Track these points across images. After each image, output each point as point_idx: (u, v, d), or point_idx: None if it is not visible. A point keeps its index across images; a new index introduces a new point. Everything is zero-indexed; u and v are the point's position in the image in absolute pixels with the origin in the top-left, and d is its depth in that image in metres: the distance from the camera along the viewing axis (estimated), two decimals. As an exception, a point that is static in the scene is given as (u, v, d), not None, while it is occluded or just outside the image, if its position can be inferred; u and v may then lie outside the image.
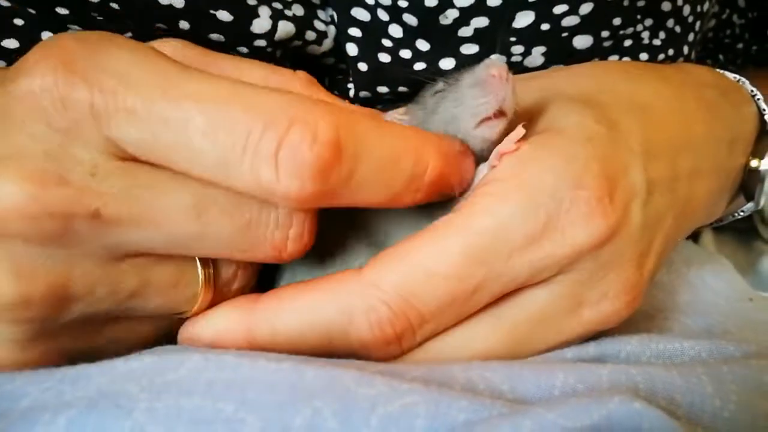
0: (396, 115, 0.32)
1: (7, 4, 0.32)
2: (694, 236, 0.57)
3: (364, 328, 0.27)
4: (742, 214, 0.42)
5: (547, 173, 0.27)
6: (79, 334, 0.27)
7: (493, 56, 0.30)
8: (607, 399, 0.22)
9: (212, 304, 0.29)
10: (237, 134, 0.23)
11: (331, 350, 0.27)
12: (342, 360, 0.27)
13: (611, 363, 0.27)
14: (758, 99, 0.39)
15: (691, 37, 0.41)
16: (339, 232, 0.32)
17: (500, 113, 0.29)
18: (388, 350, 0.27)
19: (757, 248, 0.64)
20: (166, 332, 0.30)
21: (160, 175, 0.25)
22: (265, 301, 0.28)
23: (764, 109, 0.39)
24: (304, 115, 0.24)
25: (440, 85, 0.31)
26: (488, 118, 0.29)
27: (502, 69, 0.28)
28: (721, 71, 0.40)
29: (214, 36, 0.33)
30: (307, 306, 0.27)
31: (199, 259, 0.28)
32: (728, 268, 0.44)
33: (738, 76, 0.40)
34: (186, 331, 0.29)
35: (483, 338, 0.28)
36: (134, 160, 0.25)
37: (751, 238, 0.65)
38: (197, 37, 0.33)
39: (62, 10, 0.32)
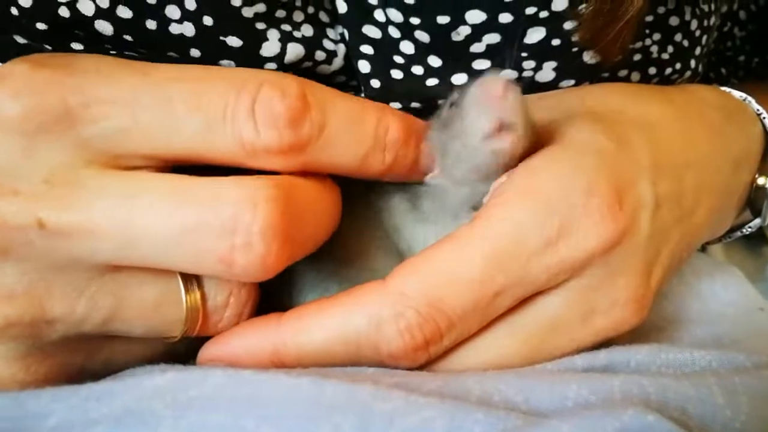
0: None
1: (23, 41, 0.32)
2: (703, 246, 0.57)
3: (394, 335, 0.27)
4: (749, 230, 0.42)
5: (559, 181, 0.29)
6: (75, 352, 0.27)
7: (493, 74, 0.30)
8: (620, 411, 0.23)
9: (203, 331, 0.29)
10: (217, 102, 0.25)
11: (357, 363, 0.28)
12: (358, 370, 0.28)
13: (622, 373, 0.27)
14: (764, 118, 0.40)
15: (698, 50, 0.41)
16: (355, 246, 0.32)
17: (503, 127, 0.29)
18: (416, 357, 0.28)
19: (766, 255, 0.63)
20: (168, 351, 0.30)
21: (111, 180, 0.25)
22: (289, 319, 0.28)
23: None
24: (271, 78, 0.26)
25: (456, 96, 0.32)
26: (492, 134, 0.29)
27: (495, 85, 0.29)
28: (728, 90, 0.41)
29: (225, 62, 0.34)
30: (333, 320, 0.28)
31: (183, 282, 0.27)
32: (739, 278, 0.44)
33: (744, 95, 0.41)
34: (207, 352, 0.29)
35: (500, 347, 0.29)
36: (102, 164, 0.25)
37: (761, 245, 0.65)
38: (209, 63, 0.33)
39: (77, 45, 0.32)
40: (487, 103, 0.29)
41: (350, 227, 0.32)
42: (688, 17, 0.39)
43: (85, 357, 0.28)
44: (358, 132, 0.28)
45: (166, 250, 0.25)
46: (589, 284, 0.29)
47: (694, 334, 0.37)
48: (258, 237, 0.25)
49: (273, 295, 0.31)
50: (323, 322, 0.28)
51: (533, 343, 0.29)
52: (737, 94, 0.41)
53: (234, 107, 0.25)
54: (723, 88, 0.41)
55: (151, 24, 0.31)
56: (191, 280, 0.28)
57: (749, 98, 0.41)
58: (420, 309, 0.27)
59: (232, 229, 0.25)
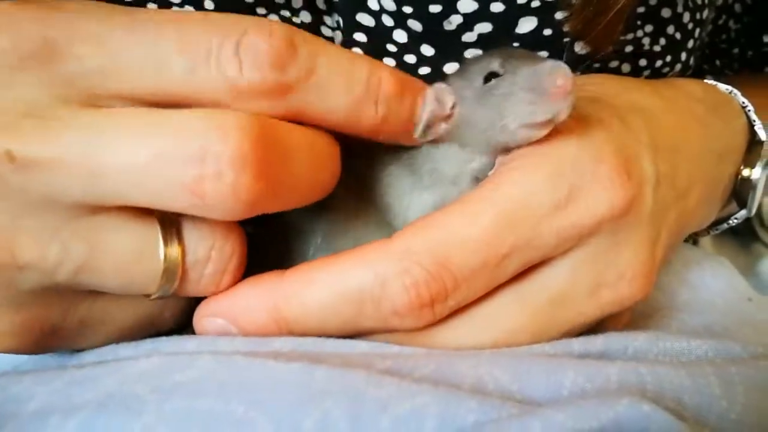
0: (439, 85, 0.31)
1: None
2: (693, 240, 0.57)
3: (399, 291, 0.27)
4: (735, 221, 0.43)
5: (568, 148, 0.29)
6: (50, 306, 0.26)
7: (561, 64, 0.28)
8: (615, 401, 0.23)
9: (182, 290, 0.27)
10: (202, 43, 0.24)
11: (360, 324, 0.27)
12: (351, 347, 0.27)
13: (620, 360, 0.27)
14: (749, 111, 0.41)
15: (690, 43, 0.41)
16: (357, 226, 0.32)
17: (548, 122, 0.28)
18: (421, 315, 0.27)
19: (755, 251, 0.64)
20: (150, 319, 0.29)
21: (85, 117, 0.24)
22: (292, 275, 0.28)
23: (754, 120, 0.41)
24: (258, 21, 0.25)
25: (495, 65, 0.30)
26: (538, 126, 0.28)
27: (568, 81, 0.27)
28: (714, 83, 0.41)
29: None
30: (337, 276, 0.27)
31: (162, 233, 0.26)
32: (728, 268, 0.45)
33: (730, 88, 0.41)
34: (205, 308, 0.28)
35: (508, 317, 0.29)
36: (81, 103, 0.24)
37: (750, 241, 0.65)
38: None
39: None
40: (550, 94, 0.27)
41: (349, 198, 0.31)
42: (680, 9, 0.39)
43: (61, 313, 0.27)
44: (350, 80, 0.27)
45: (134, 182, 0.24)
46: (595, 254, 0.29)
47: (684, 322, 0.37)
48: (227, 165, 0.24)
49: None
50: (327, 277, 0.27)
51: (542, 317, 0.29)
52: (723, 87, 0.41)
53: (219, 48, 0.24)
54: (709, 82, 0.41)
55: (152, 7, 0.31)
56: (171, 231, 0.26)
57: (735, 91, 0.41)
58: (427, 266, 0.27)
59: (201, 157, 0.24)
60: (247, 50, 0.25)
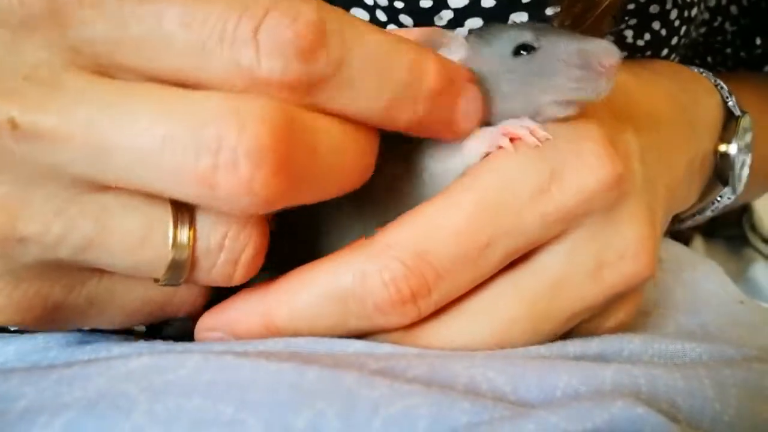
0: (454, 35, 0.29)
1: None
2: (685, 242, 0.57)
3: (379, 288, 0.26)
4: (718, 201, 0.43)
5: (548, 131, 0.28)
6: (53, 281, 0.25)
7: (610, 43, 0.27)
8: (609, 403, 0.22)
9: (193, 277, 0.26)
10: (215, 21, 0.22)
11: (348, 324, 0.27)
12: (344, 346, 0.27)
13: (615, 362, 0.27)
14: (721, 88, 0.42)
15: (675, 40, 0.42)
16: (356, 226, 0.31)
17: (582, 103, 0.28)
18: (404, 311, 0.27)
19: (747, 256, 0.64)
20: (160, 305, 0.28)
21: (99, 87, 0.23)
22: (280, 281, 0.27)
23: (728, 97, 0.42)
24: (284, 3, 0.22)
25: (528, 37, 0.28)
26: (571, 102, 0.28)
27: (617, 61, 0.27)
28: (685, 66, 0.42)
29: None
30: (320, 278, 0.27)
31: (173, 216, 0.25)
32: (718, 271, 0.45)
33: (702, 70, 0.42)
34: (202, 323, 0.28)
35: (505, 307, 0.28)
36: (88, 70, 0.23)
37: (742, 245, 0.66)
38: None
39: None
40: (599, 73, 0.27)
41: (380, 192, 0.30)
42: (669, 6, 0.39)
43: (65, 290, 0.26)
44: (386, 75, 0.24)
45: (143, 165, 0.22)
46: (591, 235, 0.28)
47: (679, 321, 0.37)
48: (243, 158, 0.22)
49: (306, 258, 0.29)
50: (311, 281, 0.27)
51: (541, 304, 0.28)
52: (694, 68, 0.42)
53: (235, 28, 0.22)
54: (677, 64, 0.43)
55: None
56: (184, 214, 0.25)
57: (706, 72, 0.42)
58: (405, 260, 0.26)
59: (215, 147, 0.22)
60: (267, 36, 0.22)
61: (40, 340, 0.30)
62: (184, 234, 0.24)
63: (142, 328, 0.36)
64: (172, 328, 0.36)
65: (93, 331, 0.35)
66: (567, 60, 0.27)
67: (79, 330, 0.33)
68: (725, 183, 0.41)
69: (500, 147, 0.28)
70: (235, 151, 0.22)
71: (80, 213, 0.24)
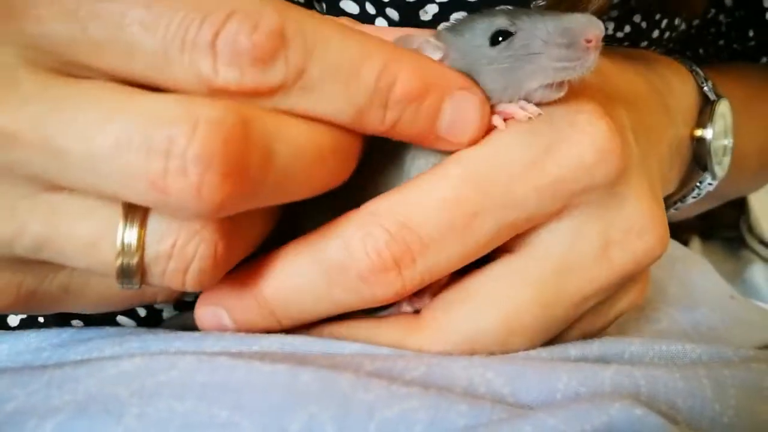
0: (425, 37, 0.28)
1: None
2: (684, 244, 0.58)
3: (361, 255, 0.25)
4: (699, 186, 0.43)
5: (541, 106, 0.27)
6: (22, 273, 0.25)
7: (591, 16, 0.26)
8: (607, 404, 0.22)
9: (149, 281, 0.25)
10: (177, 27, 0.22)
11: (334, 297, 0.26)
12: (339, 348, 0.27)
13: (615, 364, 0.26)
14: (696, 74, 0.41)
15: (656, 33, 0.41)
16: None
17: (565, 84, 0.27)
18: (388, 280, 0.26)
19: (744, 257, 0.65)
20: (138, 295, 0.27)
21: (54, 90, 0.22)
22: (271, 253, 0.27)
23: (703, 83, 0.41)
24: (245, 6, 0.22)
25: (503, 22, 0.27)
26: (560, 84, 0.27)
27: (600, 33, 0.26)
28: (658, 53, 0.42)
29: None
30: (307, 248, 0.26)
31: (123, 221, 0.24)
32: (709, 267, 0.45)
33: (677, 56, 0.42)
34: (200, 302, 0.28)
35: (511, 291, 0.27)
36: (48, 68, 0.22)
37: (739, 247, 0.66)
38: None
39: None
40: (584, 48, 0.26)
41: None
42: None
43: (36, 279, 0.25)
44: (352, 81, 0.23)
45: (93, 166, 0.22)
46: (595, 212, 0.27)
47: (673, 316, 0.37)
48: (192, 163, 0.21)
49: None
50: (298, 251, 0.27)
51: (548, 287, 0.27)
52: (667, 57, 0.42)
53: (194, 37, 0.22)
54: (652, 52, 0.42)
55: None
56: (135, 219, 0.24)
57: (681, 58, 0.43)
58: (388, 227, 0.25)
59: (165, 150, 0.21)
60: (224, 44, 0.22)
61: (33, 339, 0.30)
62: (132, 239, 0.24)
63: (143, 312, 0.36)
64: (175, 320, 0.36)
65: (88, 324, 0.34)
66: (548, 40, 0.26)
67: (73, 325, 0.33)
68: (704, 168, 0.41)
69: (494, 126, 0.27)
70: (185, 155, 0.21)
71: (30, 213, 0.23)
